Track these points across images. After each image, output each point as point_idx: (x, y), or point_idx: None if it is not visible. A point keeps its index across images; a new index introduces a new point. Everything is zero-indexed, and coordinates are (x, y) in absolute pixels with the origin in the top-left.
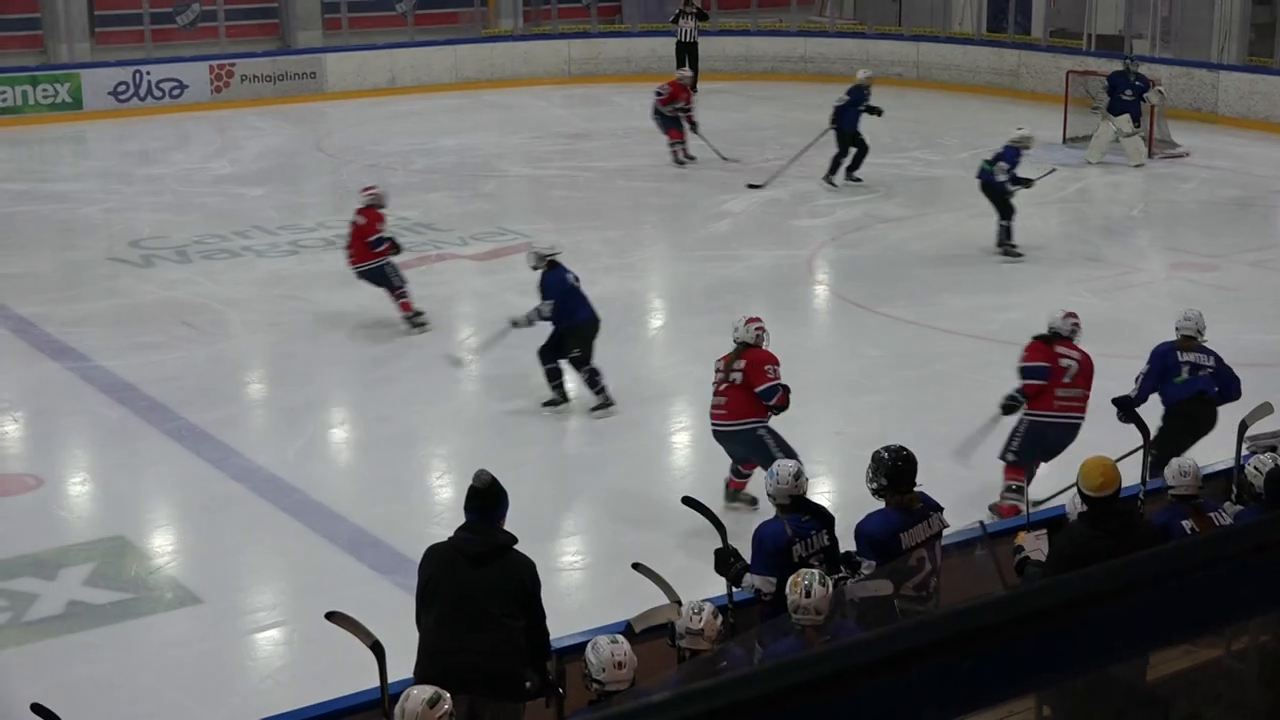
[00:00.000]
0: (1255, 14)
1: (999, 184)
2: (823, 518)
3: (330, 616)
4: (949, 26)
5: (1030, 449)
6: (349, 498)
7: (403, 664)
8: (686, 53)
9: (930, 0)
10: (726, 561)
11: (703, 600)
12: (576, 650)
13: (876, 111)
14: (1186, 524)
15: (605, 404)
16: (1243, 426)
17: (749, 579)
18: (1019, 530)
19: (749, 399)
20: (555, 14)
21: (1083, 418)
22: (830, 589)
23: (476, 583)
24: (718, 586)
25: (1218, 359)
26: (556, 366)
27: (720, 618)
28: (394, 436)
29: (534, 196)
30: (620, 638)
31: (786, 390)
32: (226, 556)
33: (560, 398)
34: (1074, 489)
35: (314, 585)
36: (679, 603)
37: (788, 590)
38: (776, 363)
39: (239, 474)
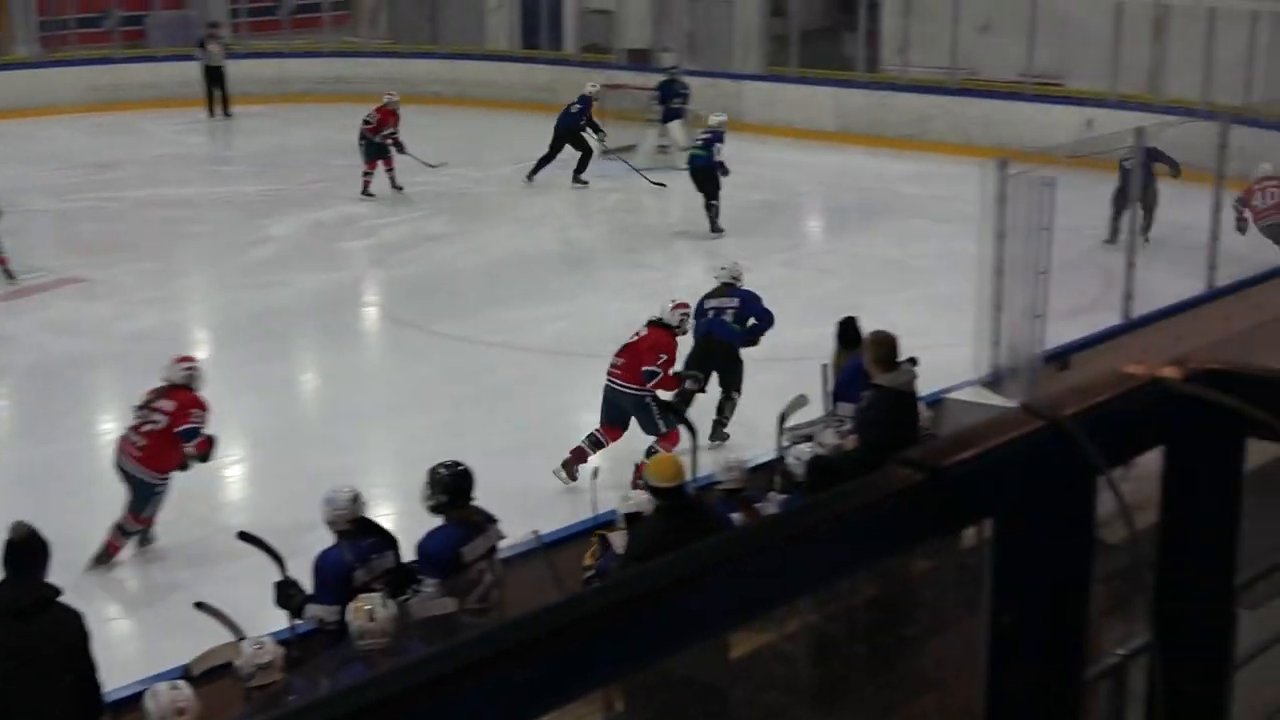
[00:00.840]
0: (772, 26)
1: (716, 164)
2: (386, 539)
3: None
4: (483, 43)
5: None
6: None
7: None
8: (214, 78)
9: (464, 18)
10: (287, 593)
11: (263, 635)
12: (132, 701)
13: (598, 129)
14: (735, 516)
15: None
16: (781, 419)
17: (311, 609)
18: (598, 530)
19: (171, 442)
20: (75, 39)
21: (624, 384)
22: (394, 611)
23: (21, 639)
24: (279, 619)
25: (745, 299)
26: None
27: (284, 648)
28: None
29: (61, 230)
30: (181, 683)
31: (210, 439)
32: None
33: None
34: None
35: None
36: (242, 638)
37: (349, 617)
38: (204, 408)
39: None
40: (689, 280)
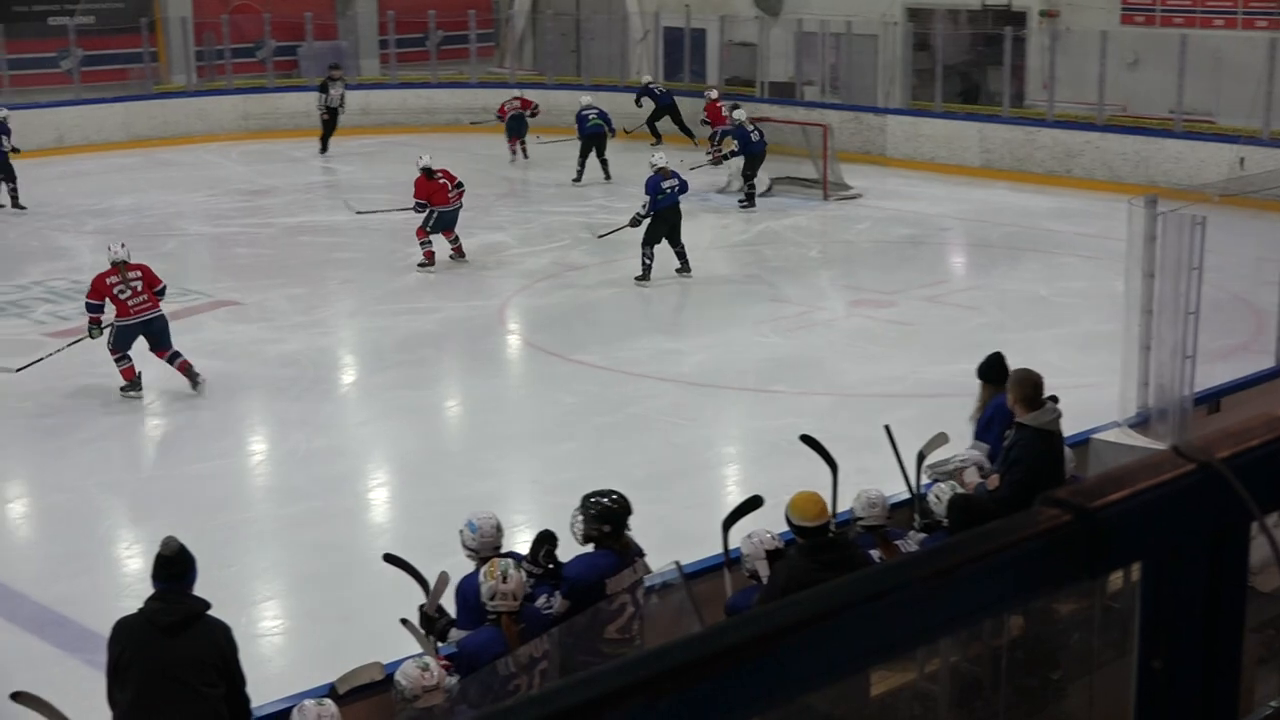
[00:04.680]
0: (916, 60)
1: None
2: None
3: (15, 697)
4: (627, 76)
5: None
6: (30, 574)
7: None
8: (332, 118)
9: (608, 50)
10: (432, 618)
11: (415, 656)
12: (279, 717)
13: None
14: (874, 553)
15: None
16: (920, 456)
17: (455, 635)
18: (720, 567)
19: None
20: (230, 69)
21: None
22: (523, 575)
23: (172, 654)
24: (411, 643)
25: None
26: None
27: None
28: (77, 508)
29: (215, 255)
30: (327, 700)
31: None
32: None
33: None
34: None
35: None
36: (421, 629)
37: (483, 578)
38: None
39: None
40: (829, 314)
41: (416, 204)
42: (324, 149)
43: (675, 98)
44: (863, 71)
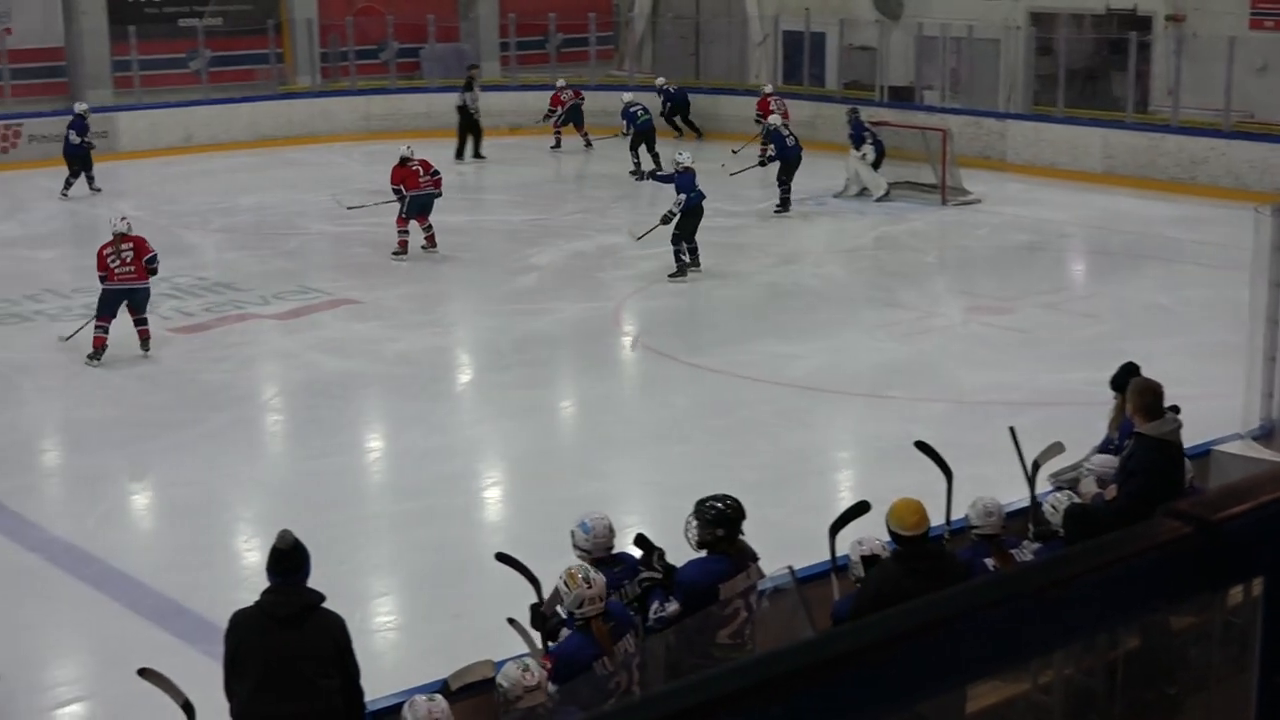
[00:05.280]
0: (1039, 65)
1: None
2: (633, 566)
3: (142, 673)
4: (746, 79)
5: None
6: (152, 565)
7: None
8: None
9: (727, 54)
10: (544, 617)
11: (518, 656)
12: (391, 711)
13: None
14: (989, 562)
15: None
16: (1035, 465)
17: (566, 633)
18: (828, 573)
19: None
20: (354, 70)
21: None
22: (605, 580)
23: (289, 646)
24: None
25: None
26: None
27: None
28: (197, 501)
29: (336, 254)
30: (438, 696)
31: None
32: (24, 631)
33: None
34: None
35: (118, 657)
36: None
37: (565, 585)
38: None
39: (36, 545)
40: (945, 320)
41: (393, 190)
42: (476, 153)
43: (690, 96)
44: (983, 76)
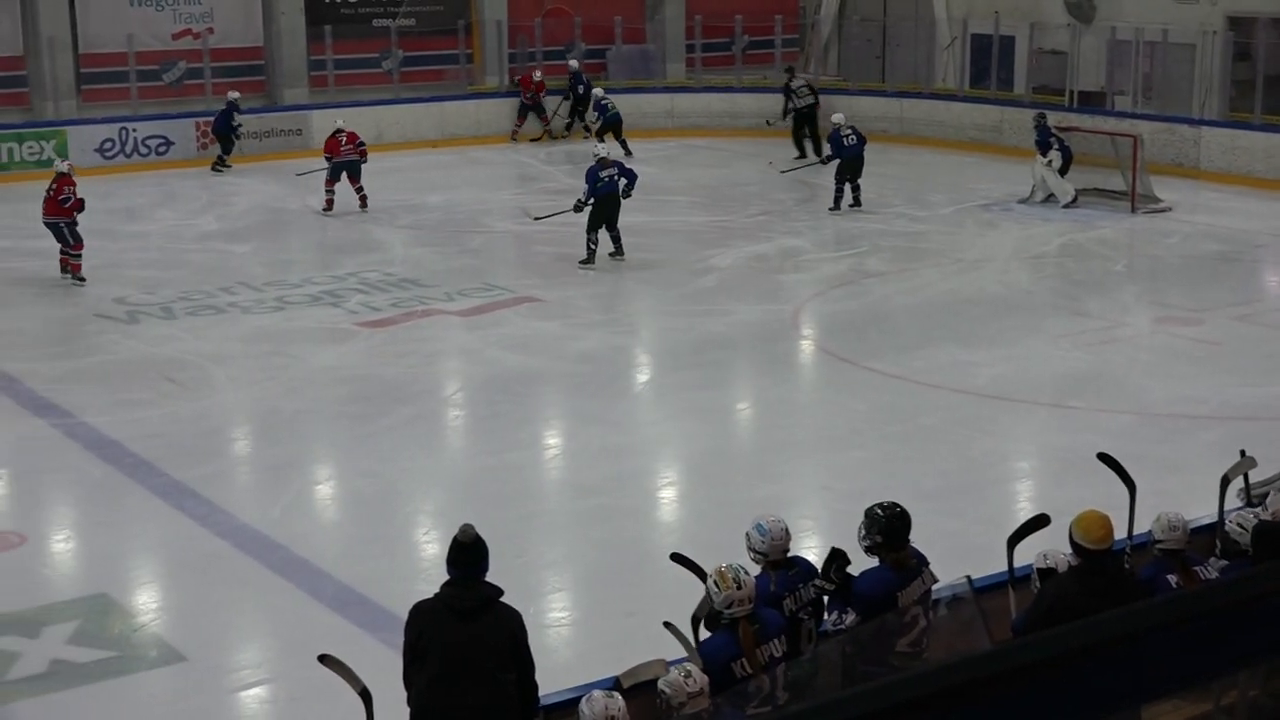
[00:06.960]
0: (1236, 70)
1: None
2: (810, 570)
3: (323, 659)
4: (932, 83)
5: None
6: (334, 554)
7: None
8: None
9: (913, 57)
10: (717, 619)
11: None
12: (563, 707)
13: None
14: (1172, 578)
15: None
16: (1224, 481)
17: None
18: (1005, 584)
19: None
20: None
21: None
22: (753, 581)
23: (467, 638)
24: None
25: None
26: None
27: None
28: (379, 492)
29: (520, 252)
30: (616, 693)
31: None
32: (211, 614)
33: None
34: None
35: (299, 642)
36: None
37: (716, 586)
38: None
39: (224, 531)
40: (1133, 330)
41: (325, 157)
42: (803, 152)
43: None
44: (1177, 81)
